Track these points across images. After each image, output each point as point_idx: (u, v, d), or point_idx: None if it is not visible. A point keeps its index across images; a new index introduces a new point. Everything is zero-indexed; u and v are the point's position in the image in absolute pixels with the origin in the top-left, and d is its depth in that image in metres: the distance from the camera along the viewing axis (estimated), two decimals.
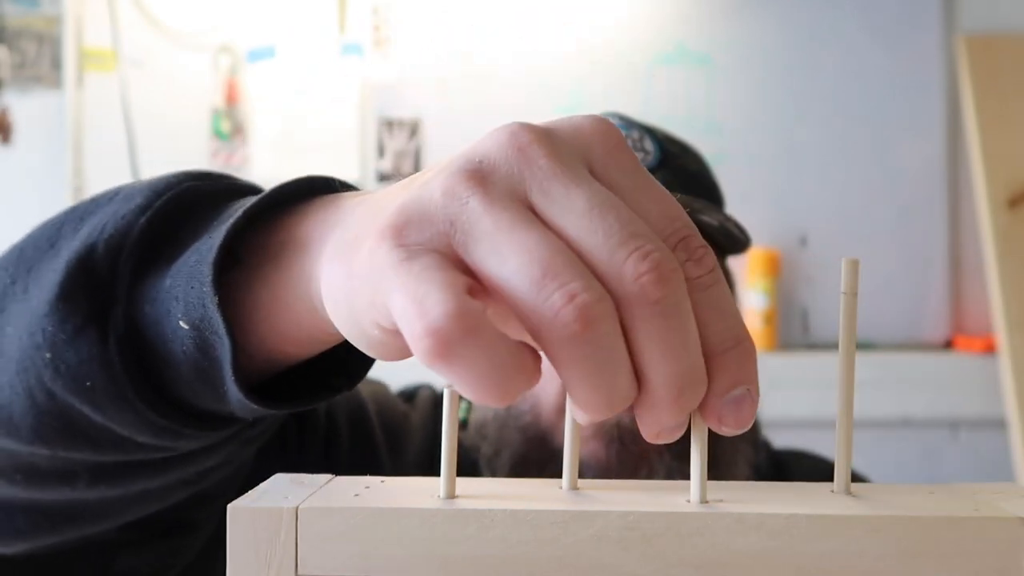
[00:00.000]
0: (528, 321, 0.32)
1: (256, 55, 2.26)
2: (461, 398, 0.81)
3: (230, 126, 2.25)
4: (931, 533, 0.34)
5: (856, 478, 0.78)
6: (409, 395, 0.86)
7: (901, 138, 2.25)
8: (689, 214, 0.76)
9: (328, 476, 0.40)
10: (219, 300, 0.42)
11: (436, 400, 0.85)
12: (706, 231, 0.77)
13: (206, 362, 0.44)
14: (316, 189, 0.45)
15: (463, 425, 0.79)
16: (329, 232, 0.40)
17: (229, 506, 0.35)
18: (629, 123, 0.80)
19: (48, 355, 0.45)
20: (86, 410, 0.46)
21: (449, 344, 0.31)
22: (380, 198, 0.39)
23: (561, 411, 0.72)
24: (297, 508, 0.35)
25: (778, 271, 2.18)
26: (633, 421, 0.73)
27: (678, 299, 0.33)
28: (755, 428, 0.83)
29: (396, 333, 0.34)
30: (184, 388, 0.46)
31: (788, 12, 2.26)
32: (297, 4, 2.25)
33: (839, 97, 2.25)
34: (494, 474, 0.76)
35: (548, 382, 0.74)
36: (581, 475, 0.71)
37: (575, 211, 0.33)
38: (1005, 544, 0.34)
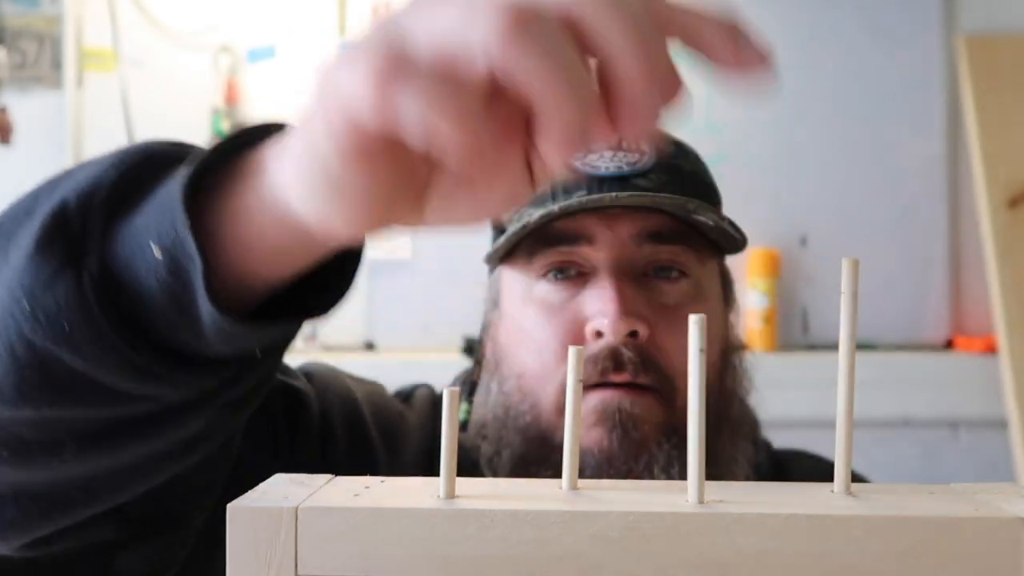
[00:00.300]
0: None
1: (256, 55, 2.26)
2: (461, 401, 0.81)
3: (230, 126, 2.25)
4: (931, 533, 0.34)
5: (856, 478, 0.79)
6: (406, 395, 0.86)
7: (901, 138, 2.25)
8: (685, 215, 0.76)
9: (328, 476, 0.40)
10: (190, 224, 0.44)
11: (434, 400, 0.85)
12: (702, 231, 0.77)
13: (180, 286, 0.46)
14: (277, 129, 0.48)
15: (463, 426, 0.79)
16: (280, 148, 0.44)
17: (229, 506, 0.35)
18: None
19: (27, 305, 0.46)
20: (66, 356, 0.47)
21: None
22: None
23: (561, 411, 0.72)
24: (297, 508, 0.35)
25: (778, 271, 2.18)
26: (633, 406, 0.73)
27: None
28: (754, 427, 0.83)
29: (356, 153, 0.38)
30: (161, 324, 0.47)
31: (788, 12, 2.26)
32: (297, 4, 2.25)
33: (839, 97, 2.25)
34: (495, 474, 0.76)
35: (547, 381, 0.74)
36: (583, 463, 0.71)
37: None
38: (1005, 544, 0.34)
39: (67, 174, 0.51)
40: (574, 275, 0.75)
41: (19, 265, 0.47)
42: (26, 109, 2.21)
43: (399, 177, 0.41)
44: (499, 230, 0.79)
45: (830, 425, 0.38)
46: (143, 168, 0.49)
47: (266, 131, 0.48)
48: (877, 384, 2.07)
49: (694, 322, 0.36)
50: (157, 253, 0.45)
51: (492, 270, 0.83)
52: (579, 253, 0.75)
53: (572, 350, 0.40)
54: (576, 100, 0.35)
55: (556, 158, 0.37)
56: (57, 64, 2.26)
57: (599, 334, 0.73)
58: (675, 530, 0.34)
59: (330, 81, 0.39)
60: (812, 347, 2.21)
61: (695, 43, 0.37)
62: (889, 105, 2.25)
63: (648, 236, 0.75)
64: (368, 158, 0.39)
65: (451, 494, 0.36)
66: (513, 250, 0.77)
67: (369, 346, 2.25)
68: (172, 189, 0.46)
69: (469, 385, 0.82)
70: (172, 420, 0.51)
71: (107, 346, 0.46)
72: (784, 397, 2.08)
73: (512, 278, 0.79)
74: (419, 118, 0.35)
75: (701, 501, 0.36)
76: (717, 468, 0.74)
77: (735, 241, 0.78)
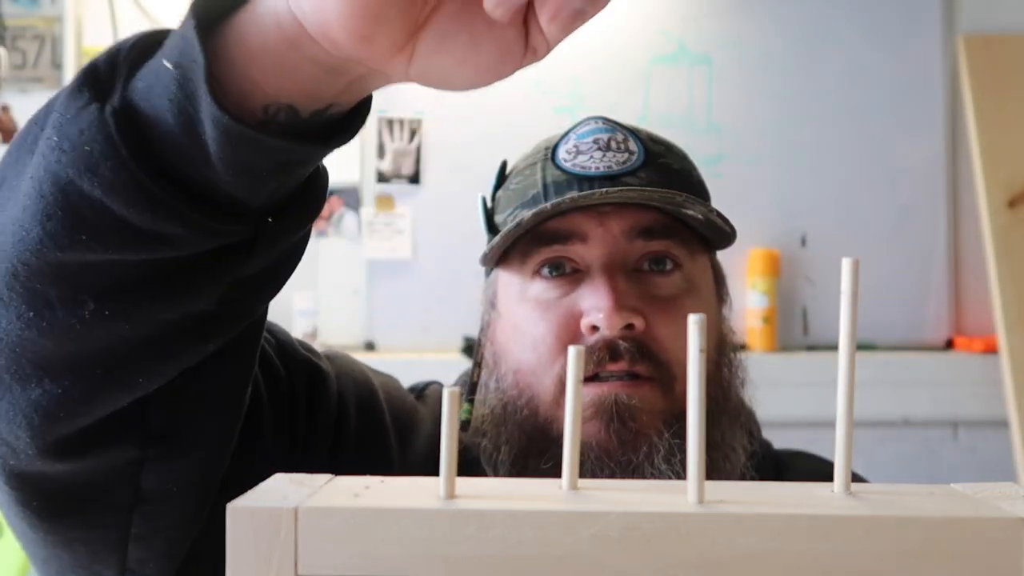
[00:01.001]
0: None
1: None
2: (462, 401, 0.81)
3: None
4: (931, 533, 0.34)
5: (855, 479, 0.79)
6: (419, 391, 0.88)
7: (901, 138, 2.25)
8: (673, 207, 0.77)
9: (328, 476, 0.40)
10: (196, 29, 0.49)
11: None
12: (692, 226, 0.77)
13: (187, 97, 0.49)
14: None
15: (464, 426, 0.80)
16: None
17: (229, 506, 0.35)
18: (614, 126, 0.81)
19: (55, 137, 0.51)
20: (86, 184, 0.50)
21: None
22: None
23: (558, 403, 0.73)
24: (297, 508, 0.35)
25: (778, 271, 2.18)
26: (630, 398, 0.74)
27: None
28: (750, 417, 0.84)
29: None
30: (174, 156, 0.51)
31: (788, 12, 2.26)
32: None
33: (839, 97, 2.26)
34: (495, 470, 0.76)
35: (544, 374, 0.74)
36: (583, 457, 0.71)
37: None
38: (1005, 544, 0.34)
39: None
40: (568, 272, 0.77)
41: (54, 113, 0.52)
42: (26, 109, 2.21)
43: None
44: (494, 232, 0.80)
45: (830, 425, 0.38)
46: (162, 36, 0.54)
47: None
48: (877, 384, 2.07)
49: (694, 322, 0.36)
50: (168, 65, 0.49)
51: (488, 272, 0.84)
52: (572, 251, 0.76)
53: (572, 350, 0.40)
54: None
55: (553, 28, 0.42)
56: (57, 64, 2.26)
57: (595, 328, 0.74)
58: (675, 530, 0.34)
59: None
60: (812, 347, 2.21)
61: None
62: (889, 105, 2.25)
63: (639, 232, 0.76)
64: None
65: (451, 494, 0.36)
66: (507, 251, 0.78)
67: (369, 346, 2.25)
68: (187, 16, 0.50)
69: (469, 386, 0.83)
70: (186, 281, 0.54)
71: (124, 170, 0.50)
72: (784, 397, 2.09)
73: (507, 279, 0.80)
74: None
75: (701, 501, 0.36)
76: (715, 455, 0.75)
77: (725, 234, 0.79)
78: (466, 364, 0.92)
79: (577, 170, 0.77)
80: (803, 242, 2.24)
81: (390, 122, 2.25)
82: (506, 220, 0.79)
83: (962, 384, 2.11)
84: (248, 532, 0.34)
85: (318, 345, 2.22)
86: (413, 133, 2.25)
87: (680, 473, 0.70)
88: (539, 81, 2.25)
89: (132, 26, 2.25)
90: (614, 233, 0.76)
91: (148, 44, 0.54)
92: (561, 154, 0.80)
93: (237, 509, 0.35)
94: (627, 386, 0.73)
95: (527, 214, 0.75)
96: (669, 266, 0.77)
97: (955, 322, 2.23)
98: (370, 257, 2.25)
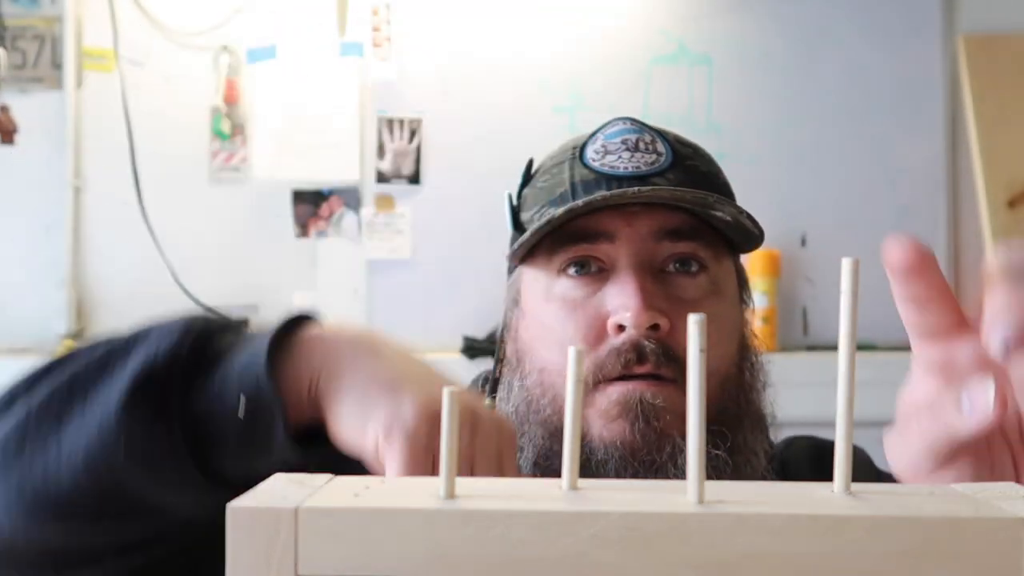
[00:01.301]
0: None
1: (256, 55, 2.26)
2: (484, 395, 0.82)
3: (230, 126, 2.25)
4: (931, 533, 0.34)
5: (880, 477, 0.79)
6: None
7: (901, 138, 2.25)
8: (703, 209, 0.78)
9: (328, 476, 0.40)
10: (272, 385, 0.59)
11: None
12: (718, 229, 0.78)
13: (258, 430, 0.59)
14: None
15: None
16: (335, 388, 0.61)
17: (229, 506, 0.35)
18: (641, 127, 0.81)
19: (123, 440, 0.58)
20: (146, 484, 0.60)
21: None
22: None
23: (583, 402, 0.73)
24: (297, 508, 0.35)
25: (778, 271, 2.18)
26: (655, 397, 0.75)
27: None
28: (771, 421, 0.84)
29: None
30: (228, 458, 0.60)
31: (788, 12, 2.26)
32: (297, 4, 2.25)
33: (839, 97, 2.25)
34: (518, 470, 0.77)
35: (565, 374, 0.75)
36: (607, 456, 0.72)
37: None
38: (1005, 544, 0.34)
39: (137, 338, 0.64)
40: (594, 271, 0.77)
41: (112, 411, 0.59)
42: (26, 109, 2.21)
43: None
44: (520, 230, 0.80)
45: (830, 425, 0.38)
46: (205, 337, 0.63)
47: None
48: (877, 384, 2.07)
49: (694, 322, 0.36)
50: (241, 408, 0.59)
51: (511, 270, 0.84)
52: (599, 249, 0.77)
53: (572, 351, 0.40)
54: None
55: None
56: (57, 64, 2.26)
57: (621, 328, 0.74)
58: (675, 530, 0.34)
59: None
60: (812, 347, 2.21)
61: None
62: (889, 105, 2.25)
63: (667, 233, 0.77)
64: None
65: (451, 494, 0.36)
66: (533, 249, 0.79)
67: None
68: (255, 355, 0.60)
69: (492, 383, 0.83)
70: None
71: (187, 478, 0.59)
72: (784, 397, 2.08)
73: (532, 276, 0.80)
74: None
75: (701, 501, 0.36)
76: (739, 457, 0.76)
77: (752, 236, 0.79)
78: (467, 364, 0.92)
79: (606, 170, 0.78)
80: (803, 242, 2.24)
81: (390, 122, 2.25)
82: (532, 218, 0.79)
83: None
84: (248, 532, 0.34)
85: None
86: (413, 133, 2.25)
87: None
88: (539, 81, 2.25)
89: (132, 26, 2.25)
90: (642, 233, 0.76)
91: (195, 352, 0.62)
92: (589, 154, 0.80)
93: (237, 509, 0.35)
94: (652, 386, 0.73)
95: (556, 212, 0.75)
96: (695, 268, 0.77)
97: None
98: (370, 257, 2.25)
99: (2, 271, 2.25)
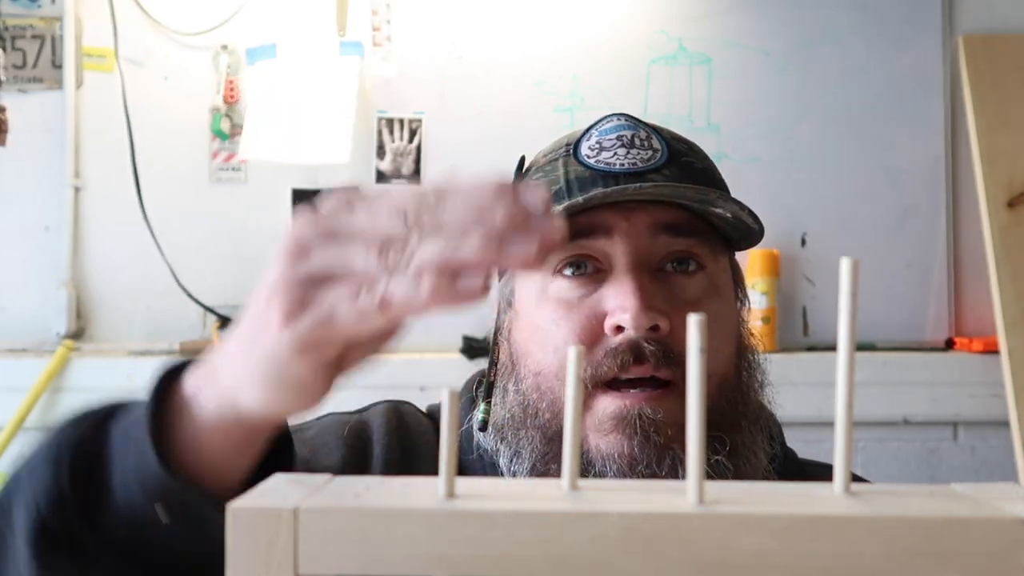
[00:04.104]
0: None
1: (256, 55, 2.26)
2: (479, 401, 0.81)
3: (230, 126, 2.25)
4: (931, 533, 0.34)
5: (854, 479, 0.79)
6: (362, 410, 0.86)
7: (901, 138, 2.25)
8: (704, 206, 0.76)
9: (327, 476, 0.40)
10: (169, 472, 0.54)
11: (390, 410, 0.85)
12: (714, 225, 0.77)
13: (191, 516, 0.54)
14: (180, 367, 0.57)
15: (483, 426, 0.79)
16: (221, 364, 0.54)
17: (229, 506, 0.35)
18: (636, 123, 0.80)
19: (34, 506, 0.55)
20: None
21: None
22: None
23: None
24: (297, 508, 0.35)
25: (778, 271, 2.18)
26: (655, 412, 0.73)
27: None
28: (770, 420, 0.83)
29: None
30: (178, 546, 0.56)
31: (788, 12, 2.26)
32: (297, 4, 2.25)
33: (839, 97, 2.25)
34: (514, 474, 0.75)
35: (563, 382, 0.73)
36: (606, 469, 0.71)
37: None
38: (1005, 544, 0.34)
39: (13, 489, 0.58)
40: (590, 271, 0.75)
41: (26, 572, 0.56)
42: (26, 109, 2.21)
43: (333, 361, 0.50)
44: None
45: (830, 425, 0.38)
46: (81, 455, 0.57)
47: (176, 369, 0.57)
48: (877, 384, 2.07)
49: (693, 322, 0.36)
50: (162, 515, 0.54)
51: (504, 271, 0.82)
52: (595, 247, 0.75)
53: (572, 350, 0.40)
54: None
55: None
56: (57, 64, 2.26)
57: (619, 329, 0.73)
58: (675, 530, 0.34)
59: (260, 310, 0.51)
60: (812, 347, 2.21)
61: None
62: (889, 105, 2.25)
63: (664, 228, 0.75)
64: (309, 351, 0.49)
65: (451, 494, 0.36)
66: None
67: None
68: (143, 456, 0.54)
69: (487, 386, 0.82)
70: None
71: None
72: (784, 397, 2.08)
73: (526, 277, 0.78)
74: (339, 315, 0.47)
75: (701, 501, 0.36)
76: (738, 460, 0.74)
77: (752, 233, 0.78)
78: (466, 364, 0.92)
79: (601, 167, 0.77)
80: (803, 242, 2.24)
81: (390, 122, 2.25)
82: None
83: (962, 384, 2.11)
84: (248, 532, 0.34)
85: None
86: (413, 133, 2.25)
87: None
88: (539, 81, 2.25)
89: (132, 26, 2.25)
90: (639, 228, 0.75)
91: (80, 465, 0.56)
92: (584, 150, 0.79)
93: (237, 509, 0.35)
94: (651, 398, 0.72)
95: (554, 208, 0.74)
96: (692, 267, 0.76)
97: (955, 322, 2.23)
98: None
99: (2, 271, 2.25)
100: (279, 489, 0.37)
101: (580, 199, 0.73)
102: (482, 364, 0.90)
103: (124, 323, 2.25)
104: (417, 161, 2.25)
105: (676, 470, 0.70)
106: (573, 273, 0.75)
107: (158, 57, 2.27)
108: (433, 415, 0.87)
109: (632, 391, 0.72)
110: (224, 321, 2.20)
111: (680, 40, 2.25)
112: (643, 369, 0.72)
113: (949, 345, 2.20)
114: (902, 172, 2.25)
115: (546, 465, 0.74)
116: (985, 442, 2.14)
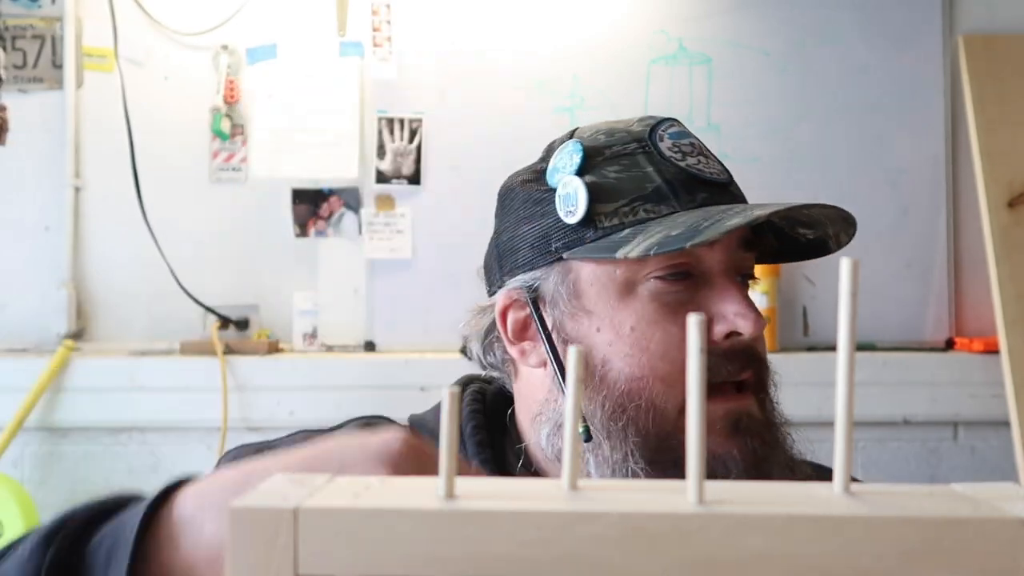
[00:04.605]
0: None
1: (256, 55, 2.26)
2: (475, 401, 0.81)
3: (230, 126, 2.25)
4: (931, 534, 0.34)
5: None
6: (331, 429, 0.85)
7: (901, 138, 2.25)
8: (844, 228, 0.84)
9: (327, 476, 0.40)
10: None
11: (361, 428, 0.83)
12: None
13: None
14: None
15: (587, 438, 0.76)
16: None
17: (230, 506, 0.35)
18: (691, 132, 0.83)
19: None
20: None
21: None
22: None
23: (682, 411, 0.72)
24: (297, 508, 0.35)
25: (778, 271, 2.18)
26: (760, 411, 0.76)
27: None
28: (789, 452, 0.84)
29: None
30: None
31: (788, 12, 2.26)
32: (297, 4, 2.25)
33: (839, 97, 2.25)
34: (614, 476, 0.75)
35: (677, 381, 0.74)
36: (728, 471, 0.72)
37: None
38: (1005, 544, 0.33)
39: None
40: (686, 276, 0.76)
41: None
42: (26, 109, 2.21)
43: None
44: (591, 219, 0.75)
45: (830, 425, 0.38)
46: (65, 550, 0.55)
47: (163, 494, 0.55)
48: (877, 384, 2.07)
49: (693, 323, 0.36)
50: None
51: (549, 262, 0.78)
52: (695, 253, 0.75)
53: (571, 350, 0.39)
54: None
55: None
56: (57, 64, 2.26)
57: (729, 335, 0.75)
58: (675, 530, 0.34)
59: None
60: (812, 347, 2.21)
61: None
62: (889, 105, 2.25)
63: (746, 242, 0.79)
64: None
65: (451, 494, 0.36)
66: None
67: (369, 346, 2.25)
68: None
69: (495, 394, 0.82)
70: None
71: None
72: (784, 397, 2.08)
73: (602, 273, 0.76)
74: None
75: (701, 501, 0.36)
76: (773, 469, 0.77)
77: (798, 254, 0.84)
78: (466, 364, 0.92)
79: (694, 171, 0.77)
80: None
81: (390, 122, 2.25)
82: (619, 210, 0.75)
83: (962, 384, 2.11)
84: (248, 532, 0.34)
85: (317, 346, 2.22)
86: (413, 133, 2.25)
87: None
88: (539, 81, 2.25)
89: (132, 26, 2.25)
90: (733, 239, 0.77)
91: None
92: (664, 151, 0.78)
93: (237, 509, 0.35)
94: (752, 400, 0.76)
95: (726, 221, 0.71)
96: (752, 279, 0.81)
97: (955, 322, 2.23)
98: (370, 257, 2.25)
99: (2, 271, 2.25)
100: (279, 489, 0.37)
101: (763, 214, 0.71)
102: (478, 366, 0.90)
103: (124, 323, 2.25)
104: (417, 161, 2.25)
105: (786, 466, 0.75)
106: (670, 277, 0.75)
107: (158, 57, 2.27)
108: (415, 425, 0.86)
109: (736, 394, 0.75)
110: (224, 321, 2.20)
111: (680, 40, 2.25)
112: (747, 374, 0.75)
113: (949, 345, 2.20)
114: (902, 172, 2.25)
115: (652, 470, 0.73)
116: (985, 442, 2.14)
